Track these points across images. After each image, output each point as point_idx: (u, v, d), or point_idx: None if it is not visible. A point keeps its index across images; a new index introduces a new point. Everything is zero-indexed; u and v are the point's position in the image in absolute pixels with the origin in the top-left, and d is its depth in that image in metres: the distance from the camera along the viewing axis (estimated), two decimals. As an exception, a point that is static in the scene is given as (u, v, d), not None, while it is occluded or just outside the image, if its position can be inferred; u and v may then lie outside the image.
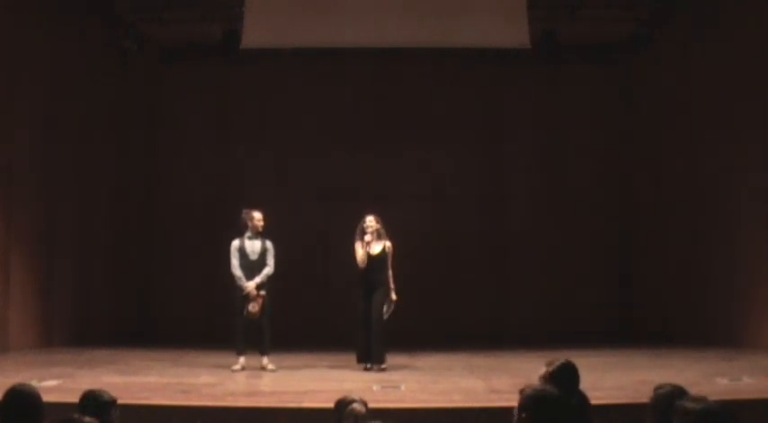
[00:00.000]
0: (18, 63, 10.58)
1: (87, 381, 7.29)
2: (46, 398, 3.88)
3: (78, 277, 12.01)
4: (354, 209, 13.03)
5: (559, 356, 4.11)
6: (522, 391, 3.55)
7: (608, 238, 13.91)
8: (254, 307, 8.72)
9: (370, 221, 8.84)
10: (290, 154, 14.00)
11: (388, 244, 8.89)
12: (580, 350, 9.73)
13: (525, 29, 11.53)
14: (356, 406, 4.55)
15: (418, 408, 6.36)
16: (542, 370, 3.98)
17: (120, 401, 4.30)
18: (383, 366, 8.72)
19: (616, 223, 13.95)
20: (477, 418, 6.07)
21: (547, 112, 14.15)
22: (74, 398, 4.17)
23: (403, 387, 7.45)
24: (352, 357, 9.20)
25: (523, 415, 3.49)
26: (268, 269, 8.89)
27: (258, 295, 8.76)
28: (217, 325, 12.03)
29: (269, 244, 8.96)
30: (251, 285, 8.77)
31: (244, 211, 9.04)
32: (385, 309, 8.80)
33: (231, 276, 8.88)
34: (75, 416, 3.57)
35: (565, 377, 3.93)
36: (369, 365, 8.79)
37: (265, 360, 8.84)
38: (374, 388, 7.26)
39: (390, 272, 8.89)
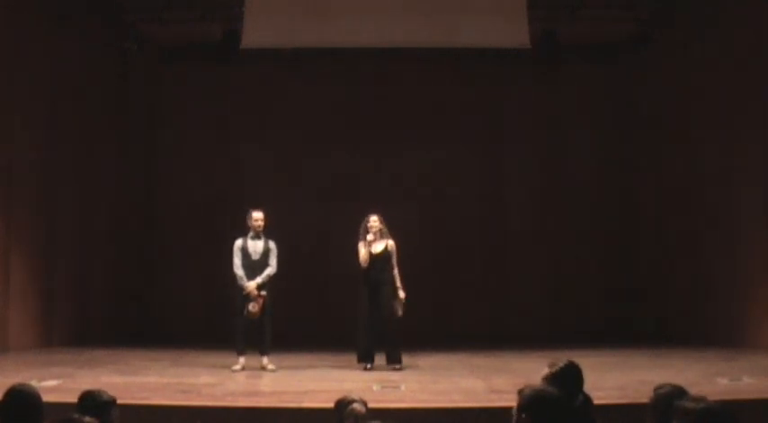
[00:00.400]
0: (18, 63, 10.58)
1: (87, 381, 7.29)
2: (46, 398, 3.88)
3: (78, 277, 12.01)
4: (354, 209, 13.03)
5: (561, 357, 4.10)
6: (520, 392, 3.55)
7: (608, 238, 13.91)
8: (254, 307, 8.72)
9: (374, 221, 8.86)
10: (290, 154, 14.00)
11: (390, 243, 8.91)
12: (580, 350, 9.73)
13: (525, 29, 11.53)
14: (356, 406, 4.55)
15: (418, 408, 6.36)
16: (544, 371, 3.98)
17: (120, 401, 4.30)
18: (398, 366, 8.76)
19: (616, 223, 13.94)
20: (477, 418, 6.07)
21: (547, 112, 14.15)
22: (74, 398, 4.16)
23: (403, 387, 7.46)
24: (353, 357, 9.21)
25: (523, 416, 3.48)
26: (270, 269, 8.89)
27: (259, 295, 8.76)
28: (217, 325, 12.03)
29: (272, 244, 8.96)
30: (251, 285, 8.77)
31: (249, 211, 9.05)
32: (397, 308, 8.81)
33: (232, 276, 8.89)
34: (75, 416, 3.57)
35: (569, 378, 3.93)
36: (369, 365, 8.80)
37: (265, 360, 8.85)
38: (374, 388, 7.26)
39: (396, 270, 8.90)
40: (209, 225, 13.44)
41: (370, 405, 4.71)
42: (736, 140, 11.01)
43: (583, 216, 13.93)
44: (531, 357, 9.67)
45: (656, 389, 3.74)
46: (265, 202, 9.54)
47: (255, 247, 8.92)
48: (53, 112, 11.42)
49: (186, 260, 13.78)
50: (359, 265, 8.88)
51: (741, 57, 10.85)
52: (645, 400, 3.88)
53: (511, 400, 3.69)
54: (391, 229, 9.07)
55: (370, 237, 8.79)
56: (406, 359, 9.03)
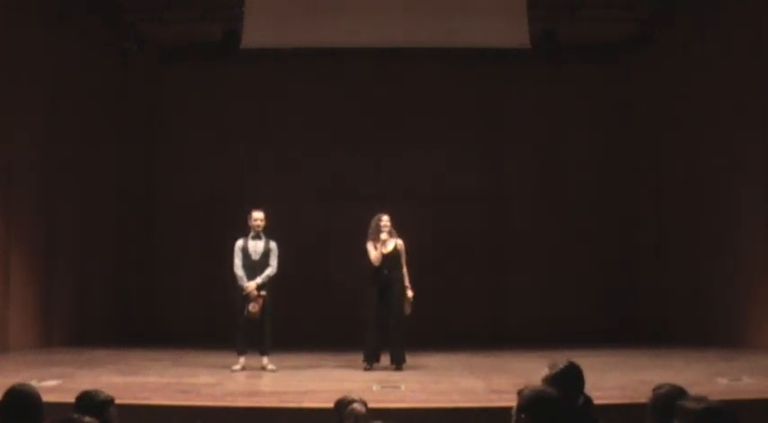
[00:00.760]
0: (18, 63, 10.58)
1: (87, 381, 7.29)
2: (46, 398, 3.88)
3: (78, 277, 12.01)
4: (354, 209, 13.10)
5: (561, 358, 4.10)
6: (520, 393, 3.55)
7: (608, 238, 13.90)
8: (254, 307, 8.72)
9: (387, 220, 8.86)
10: (290, 154, 13.99)
11: (399, 242, 8.93)
12: (580, 350, 9.74)
13: (525, 29, 11.52)
14: (356, 406, 4.55)
15: (418, 408, 6.36)
16: (545, 372, 3.97)
17: (119, 401, 4.30)
18: (403, 366, 8.78)
19: (616, 223, 13.94)
20: (477, 418, 6.07)
21: (547, 112, 14.15)
22: (74, 398, 4.16)
23: (403, 387, 7.46)
24: (353, 357, 9.22)
25: (522, 416, 3.48)
26: (270, 269, 8.89)
27: (259, 295, 8.76)
28: (217, 325, 12.05)
29: (273, 244, 8.95)
30: (251, 285, 8.76)
31: (249, 210, 9.05)
32: (406, 306, 8.82)
33: (233, 276, 8.88)
34: (75, 416, 3.57)
35: (569, 379, 3.92)
36: (369, 365, 8.81)
37: (265, 360, 8.85)
38: (374, 388, 7.27)
39: (406, 269, 8.92)
40: (209, 225, 13.44)
41: (370, 405, 4.71)
42: (737, 140, 11.01)
43: (583, 216, 13.92)
44: (531, 357, 9.67)
45: (656, 389, 3.74)
46: (265, 202, 9.54)
47: (256, 247, 8.91)
48: (53, 112, 11.42)
49: (186, 260, 13.78)
50: (369, 264, 8.86)
51: (741, 57, 10.85)
52: (645, 400, 3.88)
53: (511, 400, 3.69)
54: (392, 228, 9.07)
55: (384, 236, 8.79)
56: (406, 359, 9.02)
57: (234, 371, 8.65)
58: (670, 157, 12.95)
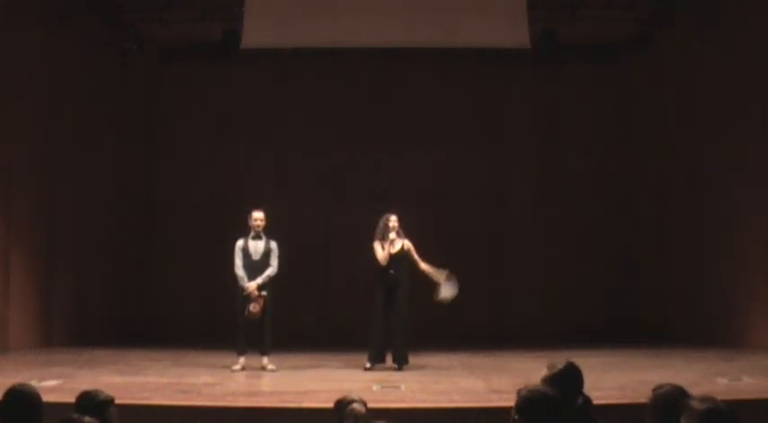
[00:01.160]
0: (18, 63, 10.58)
1: (87, 381, 7.29)
2: (46, 398, 3.87)
3: (78, 277, 12.01)
4: (354, 209, 13.14)
5: (560, 358, 4.10)
6: (519, 392, 3.56)
7: (608, 238, 13.90)
8: (254, 307, 8.72)
9: (394, 220, 8.87)
10: (290, 153, 14.00)
11: (407, 242, 8.94)
12: (580, 350, 9.74)
13: (525, 29, 11.52)
14: (356, 406, 4.55)
15: (418, 408, 6.36)
16: (543, 372, 3.98)
17: (119, 401, 4.29)
18: (405, 366, 8.79)
19: (616, 223, 13.94)
20: (477, 418, 6.07)
21: (547, 112, 14.15)
22: (74, 398, 4.16)
23: (403, 387, 7.46)
24: (353, 357, 9.22)
25: (516, 417, 3.49)
26: (271, 270, 8.89)
27: (259, 295, 8.76)
28: (217, 325, 12.05)
29: (273, 245, 8.95)
30: (252, 286, 8.76)
31: (250, 210, 9.05)
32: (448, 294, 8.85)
33: (234, 276, 8.88)
34: (75, 416, 3.57)
35: (568, 379, 3.93)
36: (372, 365, 8.80)
37: (265, 360, 8.85)
38: (374, 388, 7.27)
39: (424, 264, 8.91)
40: (210, 225, 13.44)
41: (370, 405, 4.71)
42: (736, 140, 11.01)
43: (583, 216, 13.92)
44: (530, 357, 9.67)
45: (656, 389, 3.73)
46: (265, 202, 9.54)
47: (256, 247, 8.91)
48: (53, 112, 11.42)
49: (186, 260, 13.77)
50: (376, 264, 8.85)
51: (741, 57, 10.85)
52: (645, 400, 3.88)
53: (511, 400, 3.69)
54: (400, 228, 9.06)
55: (392, 235, 8.79)
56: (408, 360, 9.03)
57: (234, 371, 8.65)
58: (670, 157, 12.95)
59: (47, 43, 11.21)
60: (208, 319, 13.13)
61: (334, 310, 13.36)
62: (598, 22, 12.63)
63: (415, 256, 8.94)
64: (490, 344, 11.68)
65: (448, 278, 8.99)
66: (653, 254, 13.45)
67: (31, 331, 10.86)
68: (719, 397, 3.29)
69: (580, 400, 3.94)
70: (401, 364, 8.81)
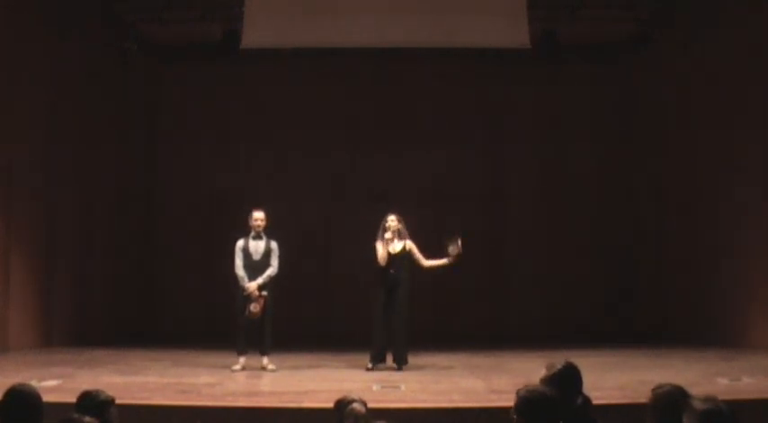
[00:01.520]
0: (18, 63, 10.58)
1: (87, 381, 7.29)
2: (46, 398, 3.88)
3: (78, 277, 12.00)
4: (354, 209, 13.14)
5: (558, 358, 4.10)
6: (518, 393, 3.56)
7: (608, 238, 13.90)
8: (255, 307, 8.72)
9: (392, 220, 8.87)
10: (290, 154, 14.00)
11: (408, 243, 8.92)
12: (580, 350, 9.75)
13: (525, 29, 11.52)
14: (356, 406, 4.55)
15: (418, 408, 6.36)
16: (542, 373, 3.98)
17: (120, 401, 4.30)
18: (404, 366, 8.79)
19: (616, 223, 13.94)
20: (477, 418, 6.07)
21: (547, 112, 14.15)
22: (74, 398, 4.17)
23: (403, 387, 7.46)
24: (353, 357, 9.22)
25: (515, 417, 3.50)
26: (271, 270, 8.88)
27: (260, 296, 8.75)
28: (217, 325, 12.05)
29: (274, 245, 8.95)
30: (252, 286, 8.76)
31: (250, 210, 9.04)
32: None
33: (234, 276, 8.88)
34: (75, 416, 3.57)
35: (567, 379, 3.93)
36: (373, 365, 8.81)
37: (265, 360, 8.85)
38: (374, 388, 7.27)
39: (429, 261, 8.89)
40: (209, 225, 13.44)
41: (370, 405, 4.71)
42: (736, 140, 11.01)
43: (583, 216, 13.92)
44: (530, 357, 9.67)
45: (656, 389, 3.74)
46: (265, 202, 9.54)
47: (257, 247, 8.91)
48: (53, 112, 11.41)
49: (186, 260, 13.78)
50: (376, 264, 8.85)
51: (741, 57, 10.85)
52: (645, 400, 3.88)
53: (511, 400, 3.70)
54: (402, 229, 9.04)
55: (388, 235, 8.79)
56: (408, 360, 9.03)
57: (234, 371, 8.65)
58: (670, 157, 12.95)
59: (47, 43, 11.20)
60: (208, 319, 13.13)
61: (334, 310, 13.36)
62: (598, 22, 12.63)
63: (418, 255, 8.94)
64: (490, 344, 11.68)
65: (450, 254, 8.92)
66: (653, 254, 13.45)
67: (31, 331, 10.86)
68: (719, 397, 3.29)
69: (579, 400, 3.94)
70: (401, 364, 8.81)
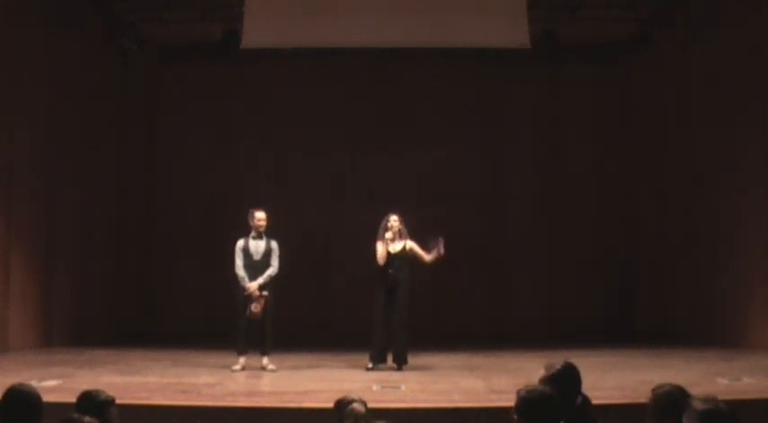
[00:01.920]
0: (18, 63, 10.58)
1: (87, 381, 7.29)
2: (46, 398, 3.87)
3: (78, 277, 12.00)
4: (354, 209, 13.14)
5: (557, 358, 4.10)
6: (518, 393, 3.56)
7: (608, 238, 13.91)
8: (256, 307, 8.71)
9: (394, 220, 8.88)
10: (290, 154, 14.00)
11: (409, 243, 8.92)
12: (580, 350, 9.76)
13: (525, 29, 11.52)
14: (356, 406, 4.55)
15: (418, 408, 6.36)
16: (541, 373, 3.98)
17: (120, 401, 4.29)
18: (404, 366, 8.79)
19: (616, 223, 13.94)
20: (477, 418, 6.07)
21: (547, 112, 14.15)
22: (74, 398, 4.16)
23: (403, 387, 7.46)
24: (353, 357, 9.21)
25: (515, 417, 3.50)
26: (272, 269, 8.88)
27: (261, 296, 8.75)
28: (217, 325, 12.04)
29: (274, 244, 8.95)
30: (253, 286, 8.76)
31: (250, 211, 9.04)
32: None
33: (235, 276, 8.88)
34: (75, 416, 3.57)
35: (567, 379, 3.93)
36: (373, 365, 8.81)
37: (265, 360, 8.85)
38: (374, 388, 7.27)
39: (427, 256, 8.88)
40: (210, 225, 13.44)
41: (370, 405, 4.71)
42: (737, 140, 11.01)
43: (583, 216, 13.93)
44: (530, 357, 9.67)
45: (656, 389, 3.73)
46: (265, 202, 9.54)
47: (257, 247, 8.91)
48: (53, 112, 11.42)
49: (186, 260, 13.78)
50: (375, 263, 8.84)
51: (741, 57, 10.85)
52: (645, 400, 3.89)
53: (511, 400, 3.70)
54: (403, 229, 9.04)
55: (388, 235, 8.79)
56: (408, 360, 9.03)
57: (234, 371, 8.65)
58: (670, 157, 12.95)
59: (47, 43, 11.20)
60: (208, 319, 13.13)
61: (334, 310, 13.36)
62: (598, 22, 12.63)
63: (419, 252, 8.93)
64: (490, 344, 11.68)
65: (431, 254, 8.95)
66: (653, 254, 13.45)
67: (31, 331, 10.86)
68: (719, 397, 3.29)
69: (579, 400, 3.94)
70: (401, 364, 8.81)
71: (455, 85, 14.07)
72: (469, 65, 13.77)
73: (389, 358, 8.94)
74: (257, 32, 11.61)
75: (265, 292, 8.80)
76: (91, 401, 4.05)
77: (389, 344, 8.94)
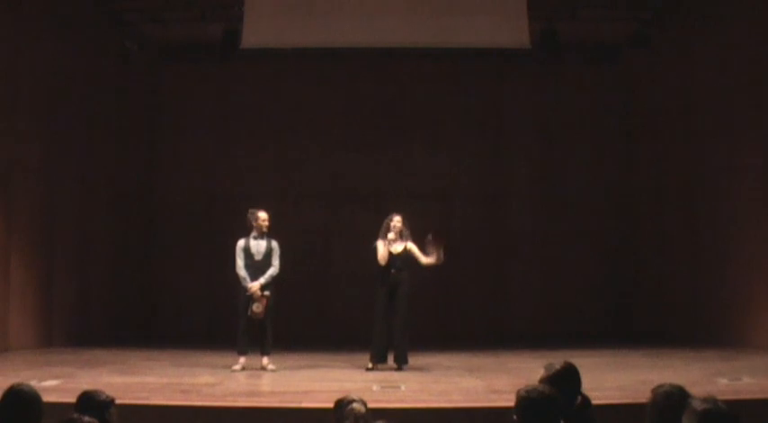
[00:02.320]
0: (18, 63, 10.57)
1: (87, 381, 7.29)
2: (46, 398, 3.88)
3: (78, 277, 12.00)
4: (354, 209, 13.15)
5: (557, 359, 4.10)
6: (518, 393, 3.57)
7: (608, 238, 13.90)
8: (257, 307, 8.72)
9: (397, 221, 8.87)
10: (290, 154, 14.00)
11: (410, 244, 8.91)
12: (580, 350, 9.76)
13: (525, 29, 11.51)
14: (356, 406, 4.55)
15: (418, 408, 6.36)
16: (541, 373, 3.98)
17: (120, 401, 4.29)
18: (405, 366, 8.79)
19: (616, 223, 13.94)
20: (477, 418, 6.08)
21: (547, 112, 14.15)
22: (74, 398, 4.16)
23: (403, 387, 7.46)
24: (353, 357, 9.21)
25: (514, 417, 3.50)
26: (273, 269, 8.88)
27: (262, 295, 8.75)
28: (217, 325, 12.06)
29: (275, 244, 8.95)
30: (255, 286, 8.76)
31: (249, 211, 9.03)
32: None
33: (236, 276, 8.88)
34: (75, 416, 3.57)
35: (566, 380, 3.93)
36: (374, 365, 8.81)
37: (266, 360, 8.85)
38: (374, 388, 7.27)
39: (428, 258, 8.83)
40: (209, 225, 13.44)
41: (370, 405, 4.71)
42: (737, 140, 11.01)
43: (583, 216, 13.92)
44: (530, 357, 9.67)
45: (655, 389, 3.74)
46: (265, 202, 9.54)
47: (258, 247, 8.91)
48: (53, 113, 11.41)
49: (186, 260, 13.78)
50: (376, 263, 8.84)
51: (741, 57, 10.84)
52: (645, 400, 3.89)
53: (510, 401, 3.69)
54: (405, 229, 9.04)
55: (391, 235, 8.79)
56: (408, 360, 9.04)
57: (234, 371, 8.65)
58: (670, 157, 12.95)
59: (47, 43, 11.20)
60: (208, 319, 13.13)
61: (334, 311, 13.36)
62: (598, 22, 12.63)
63: (417, 253, 8.93)
64: (490, 344, 11.68)
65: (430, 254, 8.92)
66: (653, 254, 13.44)
67: (31, 331, 10.85)
68: (719, 397, 3.29)
69: (579, 400, 3.94)
70: (401, 364, 8.81)
71: (455, 85, 14.07)
72: (469, 65, 13.78)
73: (390, 358, 8.95)
74: (257, 32, 11.60)
75: (267, 292, 8.80)
76: (91, 401, 4.05)
77: (390, 344, 8.94)
